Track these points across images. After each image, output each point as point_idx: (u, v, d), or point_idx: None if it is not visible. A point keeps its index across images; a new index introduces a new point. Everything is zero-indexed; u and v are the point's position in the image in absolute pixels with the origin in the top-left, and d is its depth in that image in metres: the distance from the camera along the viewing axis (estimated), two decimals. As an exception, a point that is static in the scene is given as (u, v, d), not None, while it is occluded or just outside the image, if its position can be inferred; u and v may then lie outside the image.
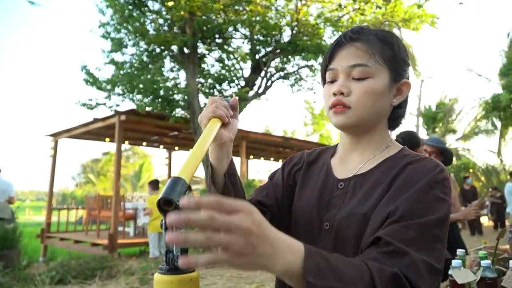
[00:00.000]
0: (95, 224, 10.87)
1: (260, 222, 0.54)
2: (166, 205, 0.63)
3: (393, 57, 0.89)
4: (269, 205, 0.98)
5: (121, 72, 8.82)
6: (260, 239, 0.53)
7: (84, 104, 8.61)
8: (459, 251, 1.84)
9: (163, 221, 0.63)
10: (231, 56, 10.05)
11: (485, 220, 16.42)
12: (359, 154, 0.94)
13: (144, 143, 12.21)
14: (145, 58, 9.47)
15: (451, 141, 22.16)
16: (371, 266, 0.66)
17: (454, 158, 20.33)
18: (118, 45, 9.15)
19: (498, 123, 19.80)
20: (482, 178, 20.58)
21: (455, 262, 1.66)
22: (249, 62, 9.77)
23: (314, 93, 10.73)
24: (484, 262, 1.58)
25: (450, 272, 1.65)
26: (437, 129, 22.10)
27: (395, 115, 0.95)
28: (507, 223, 10.89)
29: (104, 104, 8.71)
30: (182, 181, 0.65)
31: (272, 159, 15.70)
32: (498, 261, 1.99)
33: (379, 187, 0.84)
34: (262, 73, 9.38)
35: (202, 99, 9.55)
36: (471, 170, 19.26)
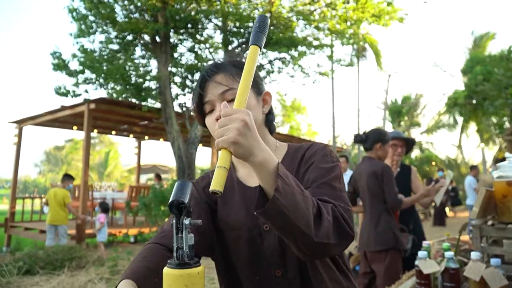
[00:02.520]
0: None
1: (252, 123, 0.77)
2: (177, 207, 0.69)
3: None
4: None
5: (91, 59, 8.60)
6: (252, 128, 0.76)
7: (60, 92, 8.34)
8: (425, 243, 1.98)
9: (174, 221, 0.69)
10: (204, 46, 10.00)
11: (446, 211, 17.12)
12: None
13: (113, 132, 12.00)
14: (115, 46, 9.28)
15: (415, 135, 22.90)
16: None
17: (418, 151, 20.99)
18: (87, 32, 8.92)
19: (460, 118, 20.59)
20: (445, 171, 21.40)
21: (421, 253, 1.79)
22: (222, 53, 9.76)
23: (292, 81, 10.89)
24: (448, 254, 1.71)
25: (416, 262, 1.78)
26: (402, 123, 22.77)
27: (269, 120, 1.12)
28: (467, 214, 11.42)
29: (74, 92, 8.48)
30: (189, 185, 0.72)
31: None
32: (460, 252, 2.15)
33: None
34: (235, 65, 9.37)
35: (174, 88, 9.48)
36: (433, 163, 20.00)
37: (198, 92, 1.05)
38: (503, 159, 7.35)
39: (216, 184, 0.70)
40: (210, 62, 1.13)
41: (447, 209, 16.95)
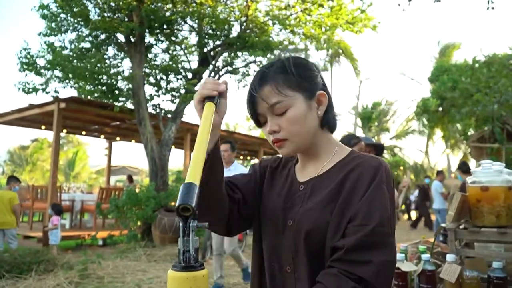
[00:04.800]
0: (26, 215, 10.32)
1: None
2: (184, 211, 0.69)
3: (297, 81, 0.99)
4: (241, 186, 1.11)
5: (60, 57, 8.35)
6: None
7: (24, 87, 8.06)
8: (402, 246, 2.04)
9: (181, 225, 0.70)
10: (179, 48, 9.93)
11: (413, 215, 17.55)
12: (314, 163, 1.07)
13: (84, 132, 11.73)
14: (87, 44, 9.08)
15: (385, 140, 23.44)
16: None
17: (388, 156, 21.48)
18: (57, 29, 8.68)
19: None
20: (412, 176, 22.00)
21: (399, 256, 1.85)
22: (197, 55, 9.73)
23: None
24: (425, 256, 1.77)
25: (394, 264, 1.83)
26: (372, 128, 23.25)
27: (327, 120, 1.05)
28: (432, 217, 11.80)
29: (43, 89, 8.22)
30: (195, 187, 0.72)
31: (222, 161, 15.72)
32: (433, 255, 2.22)
33: (330, 186, 0.98)
34: (210, 67, 9.36)
35: (148, 89, 9.36)
36: (401, 167, 20.50)
37: (248, 107, 1.02)
38: (464, 163, 7.53)
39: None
40: (260, 69, 1.03)
41: (413, 213, 17.37)
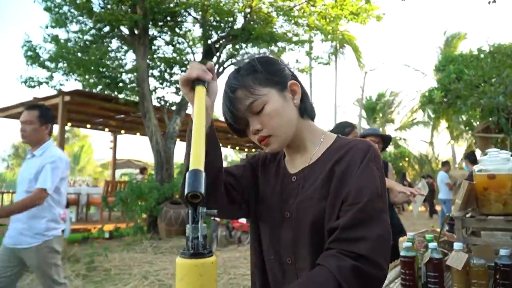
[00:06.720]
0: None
1: None
2: (193, 198, 0.69)
3: (266, 77, 1.00)
4: (238, 175, 1.12)
5: (64, 49, 8.35)
6: None
7: (26, 81, 8.09)
8: (409, 235, 2.04)
9: (189, 212, 0.69)
10: (183, 40, 9.91)
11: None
12: (302, 153, 1.08)
13: (88, 125, 11.75)
14: (90, 37, 9.07)
15: (389, 131, 23.35)
16: (332, 268, 0.82)
17: (392, 147, 21.43)
18: (62, 22, 8.67)
19: (432, 116, 21.05)
20: (416, 167, 21.94)
21: (405, 244, 1.85)
22: (201, 48, 9.71)
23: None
24: (432, 245, 1.76)
25: (402, 253, 1.83)
26: (377, 119, 23.15)
27: (305, 108, 1.06)
28: (438, 208, 11.77)
29: (47, 83, 8.24)
30: (201, 173, 0.71)
31: (220, 144, 15.75)
32: (439, 244, 2.22)
33: (322, 174, 0.99)
34: (214, 59, 9.34)
35: (152, 82, 9.34)
36: (406, 159, 20.43)
37: (226, 114, 1.03)
38: (472, 153, 7.47)
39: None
40: (228, 77, 1.04)
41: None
